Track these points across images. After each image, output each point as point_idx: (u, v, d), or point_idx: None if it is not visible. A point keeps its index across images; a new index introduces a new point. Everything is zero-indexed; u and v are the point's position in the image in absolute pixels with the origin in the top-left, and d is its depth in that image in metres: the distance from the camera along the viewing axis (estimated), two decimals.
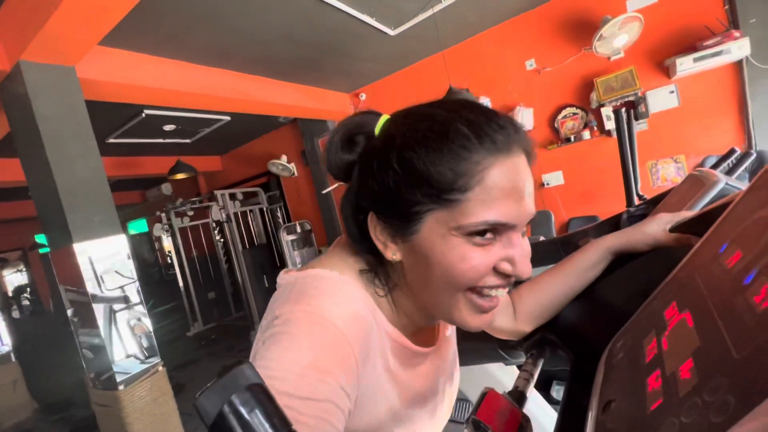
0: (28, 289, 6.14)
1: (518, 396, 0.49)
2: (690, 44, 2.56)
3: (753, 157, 1.18)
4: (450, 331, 0.57)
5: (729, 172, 1.18)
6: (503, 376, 1.00)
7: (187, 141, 4.51)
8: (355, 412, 0.40)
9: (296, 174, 4.73)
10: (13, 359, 3.88)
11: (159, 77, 2.58)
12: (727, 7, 2.49)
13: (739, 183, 0.78)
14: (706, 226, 0.40)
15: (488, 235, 0.38)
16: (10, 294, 5.93)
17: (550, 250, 1.20)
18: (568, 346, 0.57)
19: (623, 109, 1.43)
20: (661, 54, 2.71)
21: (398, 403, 0.45)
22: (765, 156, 1.88)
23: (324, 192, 4.24)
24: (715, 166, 1.18)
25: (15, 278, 6.51)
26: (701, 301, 0.28)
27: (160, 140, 4.22)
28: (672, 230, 0.57)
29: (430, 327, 0.53)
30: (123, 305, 1.99)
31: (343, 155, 0.44)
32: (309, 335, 0.36)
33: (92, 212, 1.94)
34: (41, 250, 6.26)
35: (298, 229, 4.59)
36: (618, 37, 2.63)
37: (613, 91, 2.81)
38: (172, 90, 2.68)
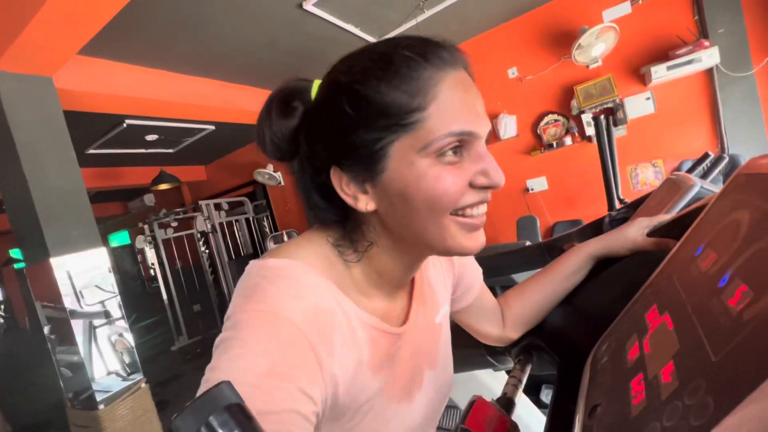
0: (2, 306, 5.89)
1: (506, 403, 0.49)
2: (663, 53, 2.66)
3: (726, 161, 1.23)
4: (440, 317, 0.54)
5: (704, 175, 1.23)
6: (492, 382, 1.00)
7: (171, 151, 4.43)
8: (340, 409, 0.38)
9: (283, 183, 4.70)
10: None
11: (140, 87, 2.54)
12: (697, 17, 2.60)
13: (714, 186, 0.81)
14: (682, 230, 0.41)
15: (456, 153, 0.37)
16: None
17: (536, 254, 1.22)
18: (554, 351, 0.58)
19: (602, 116, 1.47)
20: (637, 62, 2.81)
21: (379, 394, 0.43)
22: (736, 159, 1.96)
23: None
24: (691, 170, 1.22)
25: None
26: (680, 303, 0.28)
27: (143, 150, 4.13)
28: (650, 234, 0.58)
29: (401, 305, 0.50)
30: (104, 320, 1.92)
31: (285, 121, 0.42)
32: (262, 338, 0.33)
33: (70, 225, 1.88)
34: (16, 266, 6.02)
35: (285, 239, 4.54)
36: (595, 47, 2.72)
37: (593, 98, 2.89)
38: (154, 99, 2.64)
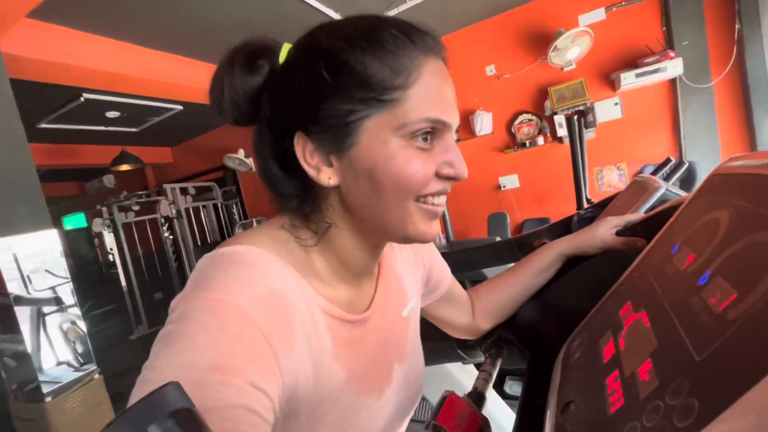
0: None
1: (477, 397, 0.49)
2: (632, 61, 2.77)
3: (686, 166, 1.30)
4: (407, 311, 0.53)
5: (665, 179, 1.29)
6: (462, 375, 1.01)
7: (134, 130, 4.17)
8: (305, 400, 0.36)
9: (254, 169, 4.55)
10: None
11: (101, 58, 2.36)
12: (664, 28, 2.72)
13: (677, 189, 0.84)
14: (650, 229, 0.42)
15: (426, 140, 0.37)
16: None
17: (507, 250, 1.24)
18: (525, 345, 0.58)
19: (575, 117, 1.51)
20: (608, 68, 2.91)
21: (345, 386, 0.41)
22: (693, 167, 2.08)
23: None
24: (653, 174, 1.28)
25: None
26: (656, 301, 0.28)
27: (102, 128, 3.87)
28: (619, 234, 0.60)
29: (366, 294, 0.48)
30: (54, 307, 1.79)
31: (248, 78, 0.39)
32: (207, 329, 0.30)
33: (16, 204, 1.72)
34: None
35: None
36: (571, 50, 2.79)
37: (566, 100, 2.98)
38: (117, 73, 2.46)
